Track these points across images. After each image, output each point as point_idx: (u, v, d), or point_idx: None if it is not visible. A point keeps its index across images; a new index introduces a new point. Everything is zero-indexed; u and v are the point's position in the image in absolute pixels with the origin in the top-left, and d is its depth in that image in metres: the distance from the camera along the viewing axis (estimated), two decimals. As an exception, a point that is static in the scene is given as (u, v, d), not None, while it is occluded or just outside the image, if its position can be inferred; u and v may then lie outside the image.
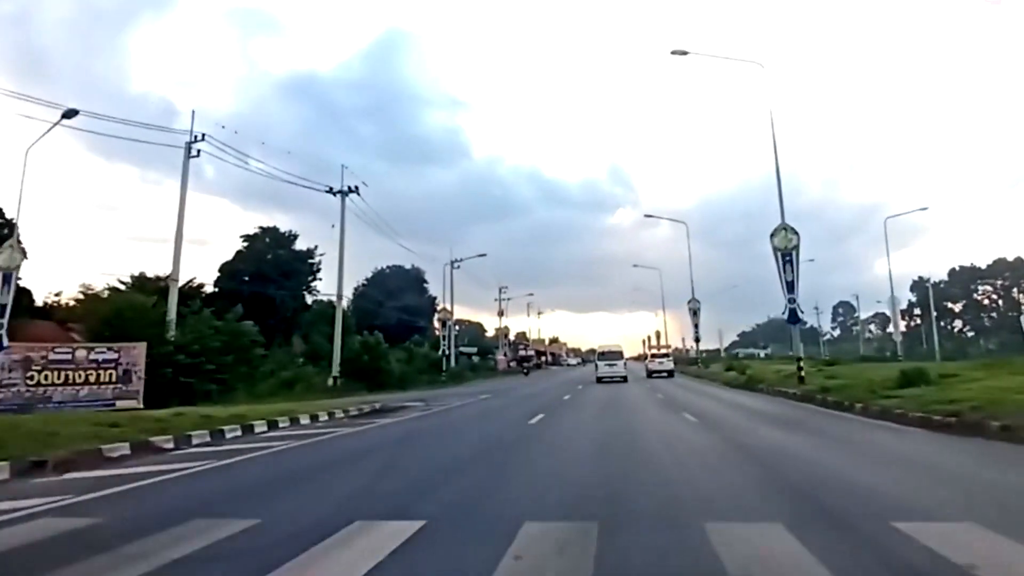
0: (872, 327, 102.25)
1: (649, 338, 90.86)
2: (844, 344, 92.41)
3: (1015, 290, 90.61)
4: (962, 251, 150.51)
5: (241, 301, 45.59)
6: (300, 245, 49.84)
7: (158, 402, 18.36)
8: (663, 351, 48.17)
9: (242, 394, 23.05)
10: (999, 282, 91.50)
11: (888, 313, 61.51)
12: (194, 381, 21.38)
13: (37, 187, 65.94)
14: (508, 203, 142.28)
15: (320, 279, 49.99)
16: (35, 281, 53.22)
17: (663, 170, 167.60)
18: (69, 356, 19.04)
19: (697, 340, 49.64)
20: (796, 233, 19.99)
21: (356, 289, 67.21)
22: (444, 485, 6.40)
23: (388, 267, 69.00)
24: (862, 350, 71.68)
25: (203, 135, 24.16)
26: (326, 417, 15.54)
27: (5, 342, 18.42)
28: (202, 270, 76.69)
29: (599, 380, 32.91)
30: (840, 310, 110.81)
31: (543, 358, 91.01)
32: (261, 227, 50.35)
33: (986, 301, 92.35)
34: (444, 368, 44.22)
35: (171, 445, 10.09)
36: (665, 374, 38.78)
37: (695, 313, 46.59)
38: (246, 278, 46.46)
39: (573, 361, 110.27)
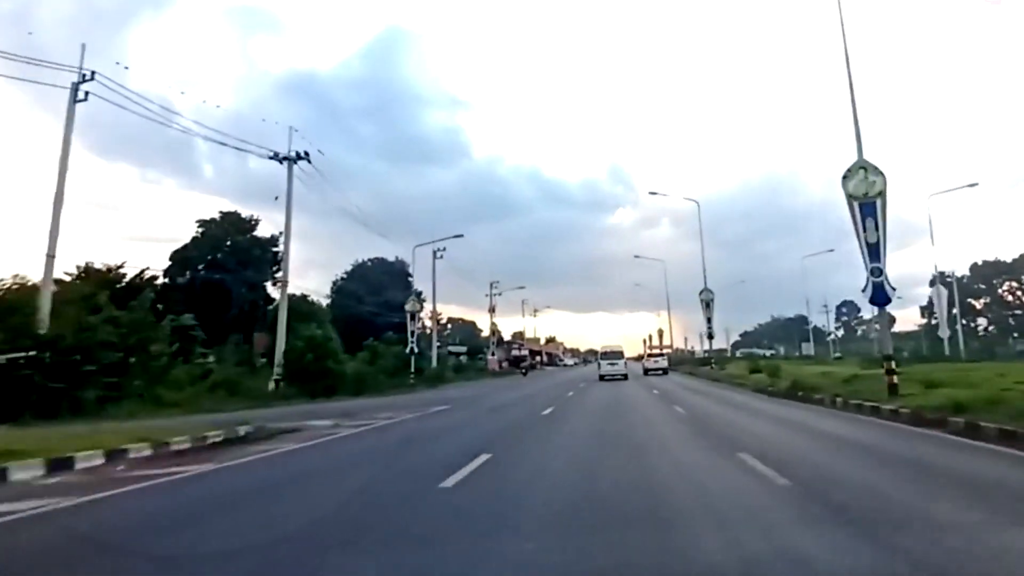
0: (877, 327, 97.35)
1: (650, 337, 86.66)
2: (850, 344, 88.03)
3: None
4: (978, 248, 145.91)
5: (194, 293, 40.61)
6: (263, 231, 44.31)
7: (5, 415, 13.35)
8: (659, 351, 54.83)
9: (144, 403, 17.99)
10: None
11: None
12: (64, 386, 15.96)
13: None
14: (508, 203, 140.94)
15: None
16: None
17: (663, 170, 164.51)
18: None
19: (711, 336, 44.34)
20: (881, 174, 13.74)
21: (335, 283, 62.05)
22: None
23: (370, 260, 63.90)
24: (876, 350, 66.62)
25: (92, 73, 18.69)
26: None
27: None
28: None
29: (601, 378, 35.37)
30: (844, 309, 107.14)
31: (538, 358, 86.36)
32: (221, 211, 44.87)
33: (1010, 298, 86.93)
34: (412, 369, 37.91)
35: None
36: (660, 372, 43.73)
37: (708, 305, 41.22)
38: (200, 268, 41.05)
39: (570, 361, 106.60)
